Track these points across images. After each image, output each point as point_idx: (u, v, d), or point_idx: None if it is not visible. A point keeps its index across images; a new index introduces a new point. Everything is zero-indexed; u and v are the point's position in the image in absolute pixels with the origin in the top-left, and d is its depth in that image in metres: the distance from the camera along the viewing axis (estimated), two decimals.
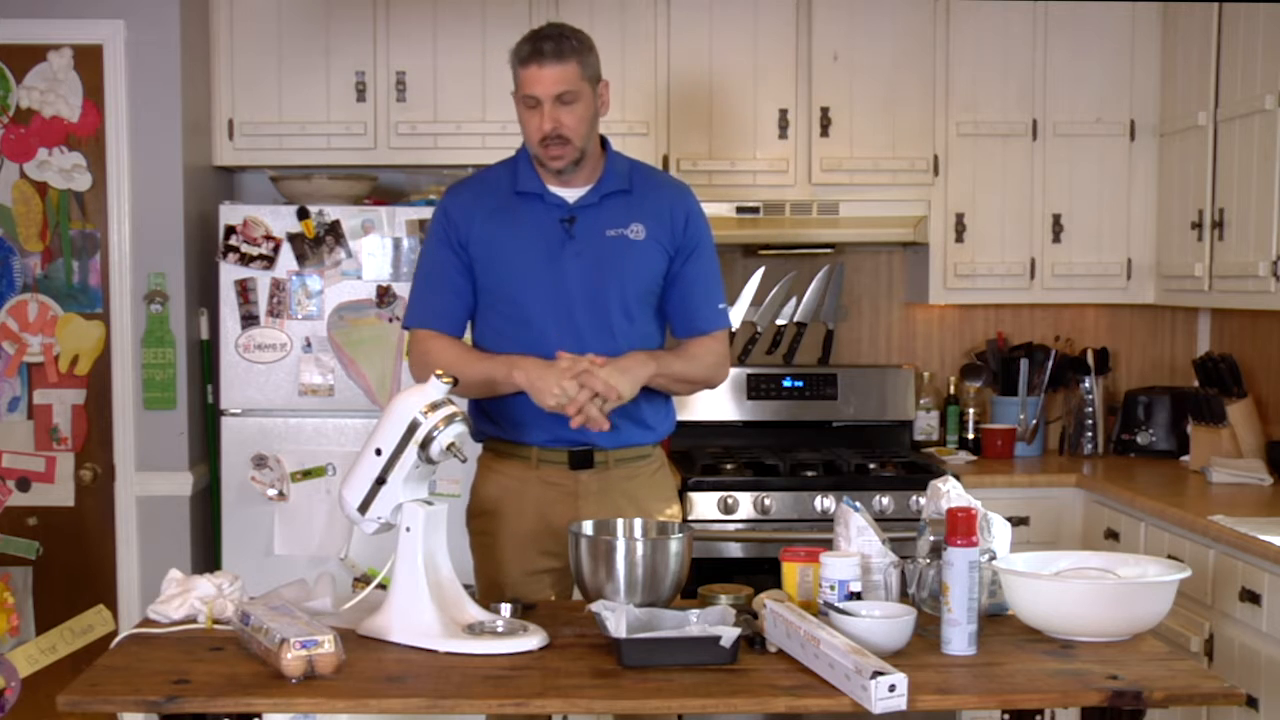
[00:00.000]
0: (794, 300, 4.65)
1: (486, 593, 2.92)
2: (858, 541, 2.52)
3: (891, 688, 2.02)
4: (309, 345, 4.01)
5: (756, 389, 4.56)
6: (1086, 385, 4.58)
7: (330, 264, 4.01)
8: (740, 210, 4.36)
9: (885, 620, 2.28)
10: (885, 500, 4.01)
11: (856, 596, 2.37)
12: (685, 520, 3.93)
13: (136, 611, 4.03)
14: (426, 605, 2.36)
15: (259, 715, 2.17)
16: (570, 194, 2.88)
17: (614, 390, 2.71)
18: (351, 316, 4.01)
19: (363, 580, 3.80)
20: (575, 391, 2.69)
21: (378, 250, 4.01)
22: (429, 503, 2.43)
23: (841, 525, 2.55)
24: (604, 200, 2.88)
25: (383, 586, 2.51)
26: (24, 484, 4.09)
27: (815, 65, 4.36)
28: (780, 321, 4.66)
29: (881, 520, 2.91)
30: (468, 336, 2.99)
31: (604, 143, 2.95)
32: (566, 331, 2.83)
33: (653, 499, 2.96)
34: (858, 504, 2.56)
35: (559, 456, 2.89)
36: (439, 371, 2.45)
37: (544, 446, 2.89)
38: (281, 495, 4.00)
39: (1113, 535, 3.92)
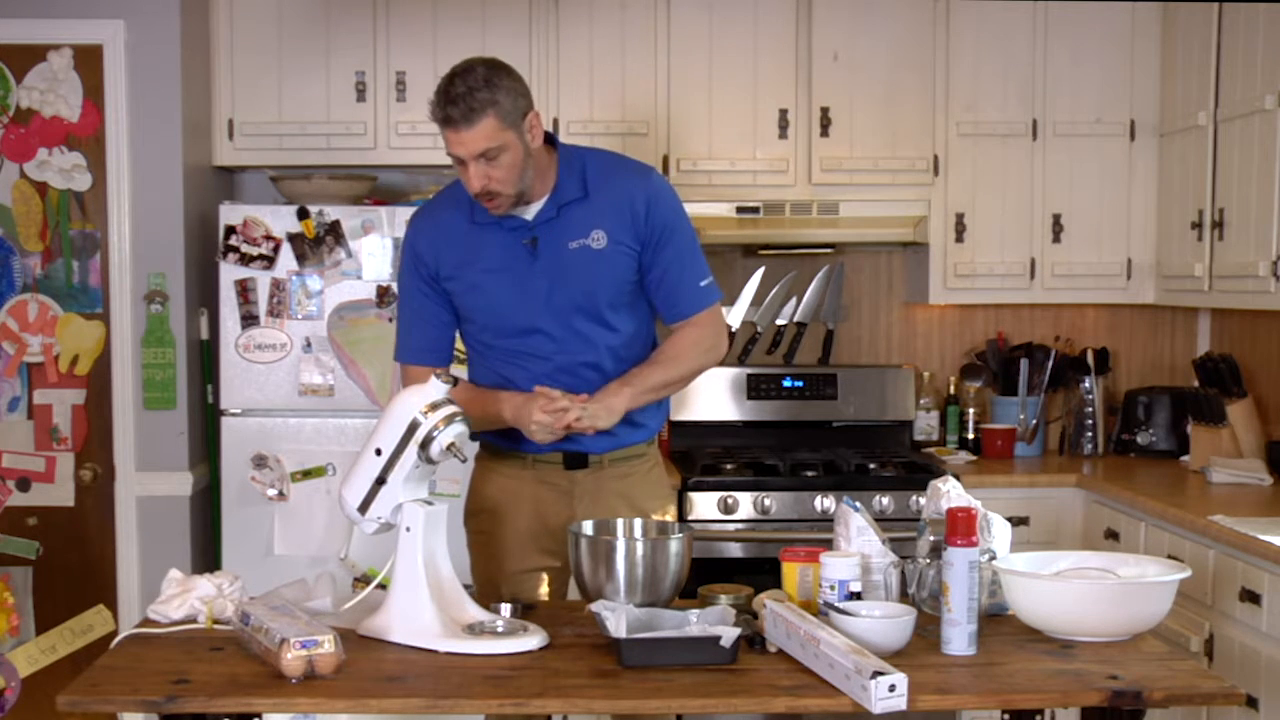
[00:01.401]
0: (794, 300, 4.65)
1: (483, 591, 2.92)
2: (858, 541, 2.52)
3: (891, 688, 2.02)
4: (309, 345, 4.01)
5: (756, 389, 4.56)
6: (1086, 385, 4.58)
7: (330, 264, 4.01)
8: (740, 210, 4.36)
9: (885, 620, 2.28)
10: (885, 500, 4.01)
11: (856, 596, 2.37)
12: (683, 519, 3.94)
13: (136, 611, 4.03)
14: (426, 605, 2.36)
15: (259, 715, 2.17)
16: (528, 211, 2.82)
17: (588, 426, 2.73)
18: (351, 316, 4.01)
19: (363, 580, 3.80)
20: (551, 422, 2.70)
21: (378, 250, 4.01)
22: (429, 503, 2.43)
23: (841, 525, 2.55)
24: (562, 211, 2.82)
25: (383, 586, 2.51)
26: (24, 484, 4.09)
27: (815, 65, 4.36)
28: (780, 321, 4.66)
29: (881, 520, 2.91)
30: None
31: (552, 141, 2.86)
32: (547, 348, 2.83)
33: (648, 498, 2.96)
34: (858, 504, 2.56)
35: (554, 458, 2.90)
36: (438, 371, 2.45)
37: (539, 452, 2.90)
38: (281, 495, 4.00)
39: (1113, 535, 3.92)
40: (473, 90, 2.64)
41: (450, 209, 2.89)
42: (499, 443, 2.93)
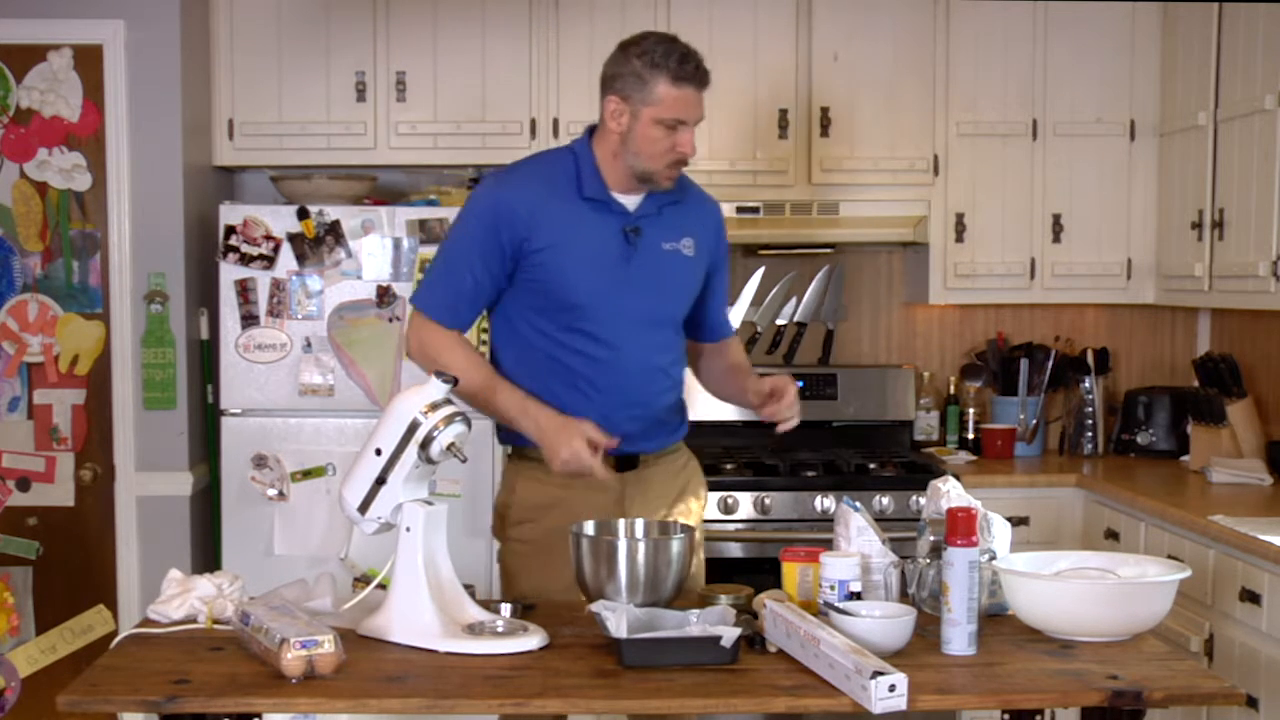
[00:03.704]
0: (794, 300, 4.65)
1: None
2: (858, 541, 2.52)
3: (891, 688, 2.02)
4: (309, 345, 4.01)
5: None
6: (1086, 385, 4.58)
7: (330, 264, 4.01)
8: (740, 210, 4.35)
9: (885, 620, 2.28)
10: (885, 500, 4.01)
11: (856, 596, 2.37)
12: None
13: (136, 611, 4.03)
14: (426, 605, 2.36)
15: (259, 715, 2.17)
16: (630, 201, 2.79)
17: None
18: (351, 316, 4.01)
19: (363, 580, 3.80)
20: (588, 458, 2.65)
21: (378, 250, 4.01)
22: (429, 503, 2.43)
23: (841, 525, 2.55)
24: (662, 210, 2.82)
25: (383, 586, 2.51)
26: (24, 484, 4.09)
27: (815, 65, 4.36)
28: (780, 321, 4.66)
29: (881, 520, 2.91)
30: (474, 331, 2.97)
31: None
32: (624, 343, 2.78)
33: (692, 492, 2.97)
34: (858, 504, 2.56)
35: (604, 461, 2.79)
36: (439, 371, 2.45)
37: None
38: (281, 495, 4.00)
39: (1113, 535, 3.92)
40: (702, 58, 2.75)
41: (554, 174, 2.80)
42: (535, 447, 2.79)
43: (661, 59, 2.70)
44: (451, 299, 2.81)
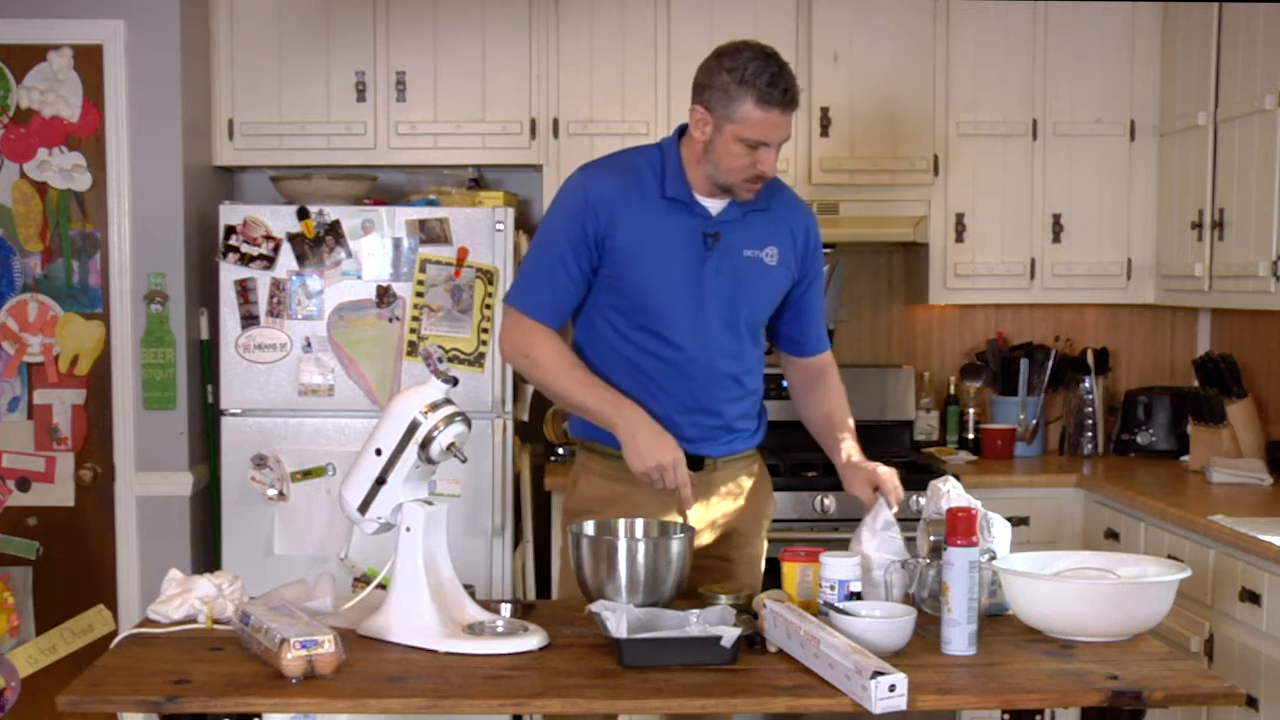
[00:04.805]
0: None
1: (571, 590, 2.80)
2: (881, 534, 2.54)
3: (891, 688, 2.02)
4: (309, 345, 4.01)
5: None
6: (1086, 385, 4.58)
7: (330, 264, 4.01)
8: None
9: (885, 620, 2.28)
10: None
11: (856, 596, 2.37)
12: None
13: (136, 611, 4.03)
14: (426, 605, 2.36)
15: (259, 715, 2.17)
16: (714, 205, 2.75)
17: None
18: (351, 316, 4.01)
19: (363, 580, 3.80)
20: (685, 476, 2.64)
21: (378, 250, 4.01)
22: (429, 503, 2.43)
23: (870, 516, 2.58)
24: (746, 217, 2.77)
25: (383, 586, 2.51)
26: (24, 484, 4.09)
27: (815, 65, 4.36)
28: None
29: None
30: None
31: None
32: (696, 348, 2.76)
33: (757, 501, 2.93)
34: (890, 498, 2.62)
35: None
36: (439, 370, 2.45)
37: None
38: (281, 495, 4.00)
39: (1113, 535, 3.92)
40: (794, 79, 2.69)
41: (639, 170, 2.76)
42: (606, 443, 2.79)
43: (751, 77, 2.63)
44: (543, 294, 2.78)
